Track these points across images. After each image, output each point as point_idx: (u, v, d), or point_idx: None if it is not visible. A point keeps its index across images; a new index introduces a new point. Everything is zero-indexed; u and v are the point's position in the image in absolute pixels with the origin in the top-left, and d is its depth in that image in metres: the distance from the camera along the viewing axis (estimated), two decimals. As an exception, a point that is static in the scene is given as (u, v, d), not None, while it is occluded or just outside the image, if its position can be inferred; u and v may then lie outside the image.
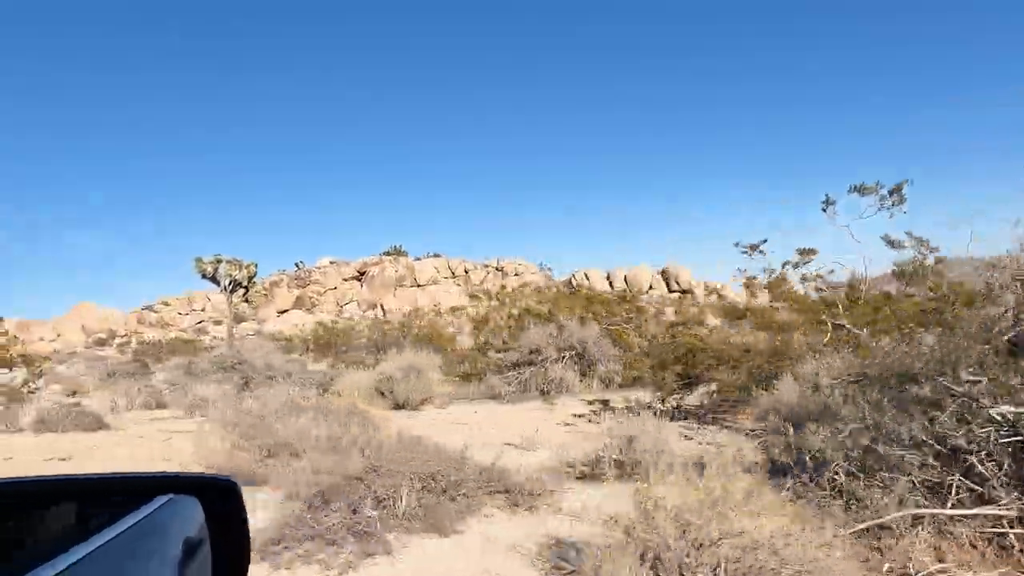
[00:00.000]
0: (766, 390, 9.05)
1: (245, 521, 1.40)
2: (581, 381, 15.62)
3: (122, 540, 1.05)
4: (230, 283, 38.77)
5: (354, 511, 5.55)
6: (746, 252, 9.62)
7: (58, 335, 54.52)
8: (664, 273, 62.60)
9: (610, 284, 63.31)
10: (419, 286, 67.54)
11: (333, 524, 5.48)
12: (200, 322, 65.97)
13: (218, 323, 65.79)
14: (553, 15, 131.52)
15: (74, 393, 23.94)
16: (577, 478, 7.43)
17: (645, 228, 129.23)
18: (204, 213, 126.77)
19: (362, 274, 69.40)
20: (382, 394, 15.58)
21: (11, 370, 17.30)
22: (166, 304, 67.64)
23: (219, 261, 38.64)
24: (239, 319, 67.80)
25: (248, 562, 1.40)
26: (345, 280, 69.81)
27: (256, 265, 40.13)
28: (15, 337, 18.15)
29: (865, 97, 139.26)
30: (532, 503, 6.35)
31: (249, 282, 39.75)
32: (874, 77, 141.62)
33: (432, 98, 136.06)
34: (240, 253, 43.20)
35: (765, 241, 9.92)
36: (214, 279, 38.81)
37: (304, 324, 63.60)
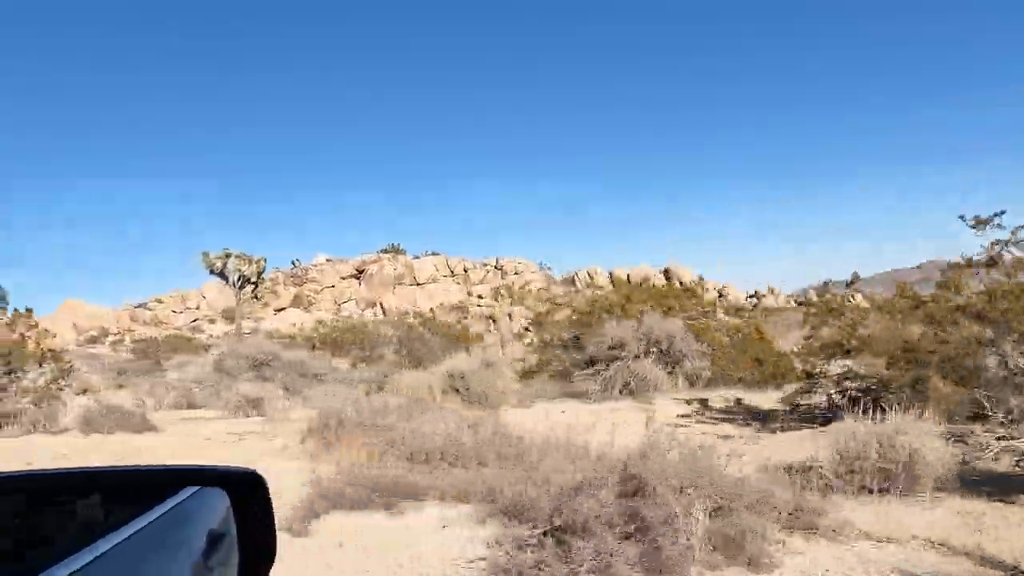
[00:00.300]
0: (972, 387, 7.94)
1: (271, 513, 1.35)
2: (668, 378, 14.42)
3: (149, 532, 1.04)
4: (239, 278, 37.06)
5: (655, 545, 4.23)
6: (975, 227, 8.39)
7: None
8: (667, 273, 61.72)
9: (612, 283, 62.35)
10: (418, 284, 66.01)
11: (607, 554, 4.19)
12: (195, 320, 63.81)
13: (212, 321, 63.65)
14: (553, 15, 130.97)
15: (84, 391, 22.25)
16: (822, 488, 6.20)
17: (645, 228, 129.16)
18: (188, 210, 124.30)
19: (360, 272, 67.66)
20: (456, 391, 14.24)
21: (41, 366, 15.67)
22: (159, 302, 65.39)
23: (228, 255, 36.87)
24: (234, 317, 65.79)
25: (274, 553, 1.32)
26: (343, 278, 68.02)
27: (265, 260, 38.46)
28: (45, 331, 16.50)
29: (865, 97, 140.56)
30: (820, 525, 5.09)
31: (258, 278, 38.01)
32: (874, 77, 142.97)
33: (432, 98, 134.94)
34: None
35: (1003, 213, 8.64)
36: (222, 274, 37.05)
37: (302, 323, 61.76)
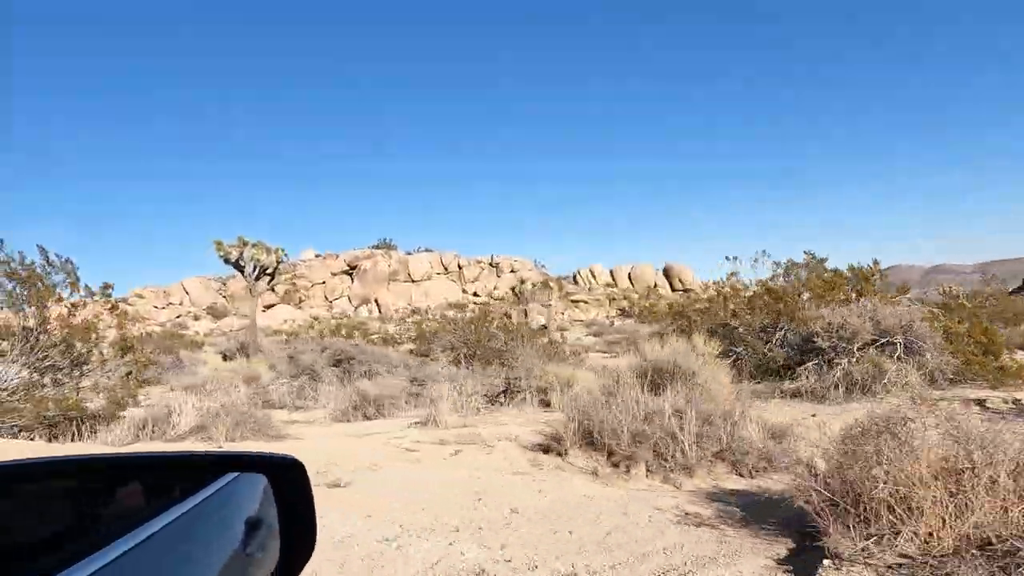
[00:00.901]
0: None
1: (311, 499, 1.30)
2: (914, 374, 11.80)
3: (189, 517, 1.03)
4: (255, 269, 33.10)
5: None
6: None
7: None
8: (667, 272, 59.77)
9: (614, 281, 60.10)
10: (413, 281, 62.48)
11: None
12: (178, 316, 58.78)
13: (197, 318, 58.84)
14: (555, 15, 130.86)
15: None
16: None
17: (646, 228, 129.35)
18: (166, 207, 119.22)
19: (353, 268, 63.67)
20: (656, 385, 11.31)
21: (123, 356, 12.15)
22: (140, 297, 60.03)
23: (244, 244, 32.86)
24: (220, 314, 60.99)
25: (315, 536, 1.29)
26: (334, 274, 63.93)
27: (283, 250, 34.49)
28: (125, 313, 12.90)
29: (865, 98, 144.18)
30: None
31: (275, 268, 34.05)
32: (876, 76, 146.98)
33: (428, 97, 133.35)
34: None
35: None
36: (237, 265, 33.02)
37: (295, 319, 57.64)
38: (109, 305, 12.37)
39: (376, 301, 60.53)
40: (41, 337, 11.80)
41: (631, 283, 58.66)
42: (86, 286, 12.54)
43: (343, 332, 42.71)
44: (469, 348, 24.35)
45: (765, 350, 12.86)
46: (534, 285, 48.67)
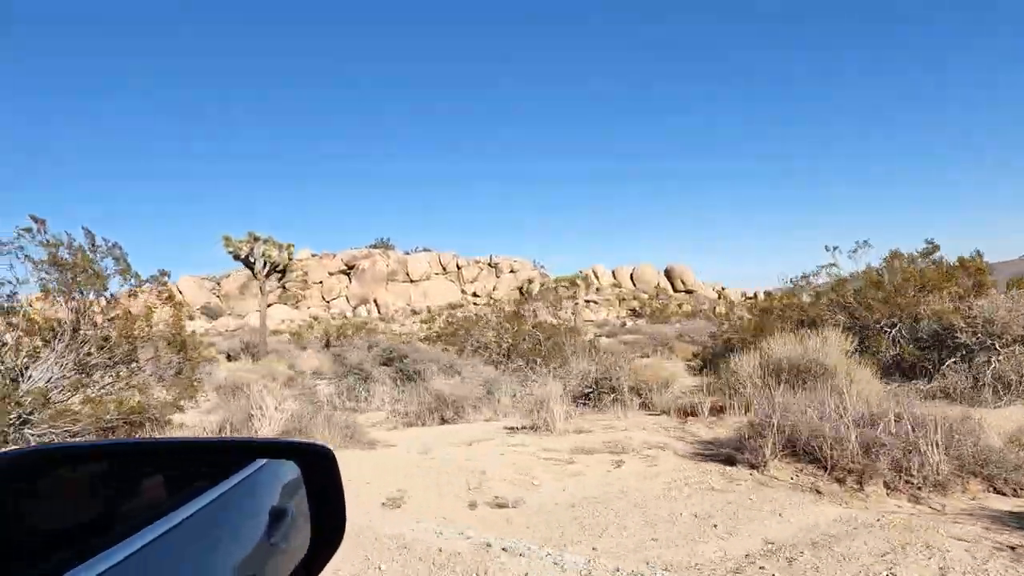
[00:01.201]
0: None
1: (341, 487, 1.24)
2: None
3: (220, 502, 0.99)
4: (265, 266, 31.27)
5: None
6: None
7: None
8: (668, 273, 58.77)
9: (616, 282, 58.94)
10: (412, 281, 60.73)
11: None
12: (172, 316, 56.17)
13: (192, 318, 56.51)
14: (555, 15, 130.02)
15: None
16: None
17: (646, 228, 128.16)
18: (165, 207, 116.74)
19: (351, 268, 61.71)
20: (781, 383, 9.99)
21: (177, 353, 10.58)
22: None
23: (255, 239, 31.04)
24: (214, 314, 58.71)
25: (344, 526, 1.24)
26: (331, 274, 61.91)
27: (294, 247, 32.65)
28: (180, 304, 11.32)
29: (865, 98, 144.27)
30: None
31: (287, 265, 32.25)
32: (877, 76, 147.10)
33: (425, 96, 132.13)
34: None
35: None
36: (247, 261, 31.21)
37: (292, 319, 55.64)
38: (166, 295, 10.77)
39: (375, 301, 58.74)
40: (89, 332, 10.18)
41: (633, 284, 57.59)
42: (136, 273, 10.91)
43: (348, 332, 40.96)
44: (503, 348, 22.92)
45: (889, 345, 11.61)
46: (542, 285, 47.30)
